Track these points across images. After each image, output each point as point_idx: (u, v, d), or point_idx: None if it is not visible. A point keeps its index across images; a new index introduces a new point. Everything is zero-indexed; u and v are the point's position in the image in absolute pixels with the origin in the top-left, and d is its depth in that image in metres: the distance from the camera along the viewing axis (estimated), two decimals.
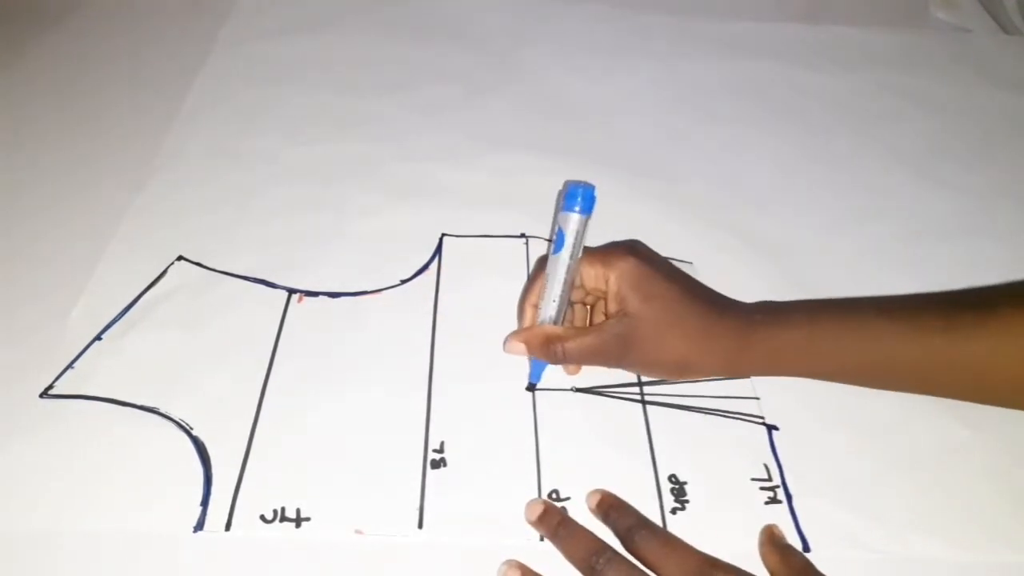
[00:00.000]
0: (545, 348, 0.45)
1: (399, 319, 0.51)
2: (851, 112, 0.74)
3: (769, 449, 0.46)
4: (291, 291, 0.52)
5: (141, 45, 0.77)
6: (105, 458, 0.43)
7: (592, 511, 0.42)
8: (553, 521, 0.40)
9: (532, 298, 0.48)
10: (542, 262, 0.49)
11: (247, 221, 0.58)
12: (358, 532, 0.41)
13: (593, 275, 0.46)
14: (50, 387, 0.46)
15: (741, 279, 0.55)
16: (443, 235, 0.57)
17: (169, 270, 0.54)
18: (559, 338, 0.45)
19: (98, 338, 0.49)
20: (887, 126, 0.72)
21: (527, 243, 0.57)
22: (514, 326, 0.50)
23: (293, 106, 0.70)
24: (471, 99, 0.72)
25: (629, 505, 0.41)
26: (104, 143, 0.65)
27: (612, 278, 0.45)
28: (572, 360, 0.46)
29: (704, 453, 0.45)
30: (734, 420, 0.47)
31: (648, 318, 0.44)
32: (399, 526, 0.41)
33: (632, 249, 0.46)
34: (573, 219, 0.44)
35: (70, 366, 0.47)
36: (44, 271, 0.53)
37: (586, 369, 0.49)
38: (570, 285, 0.46)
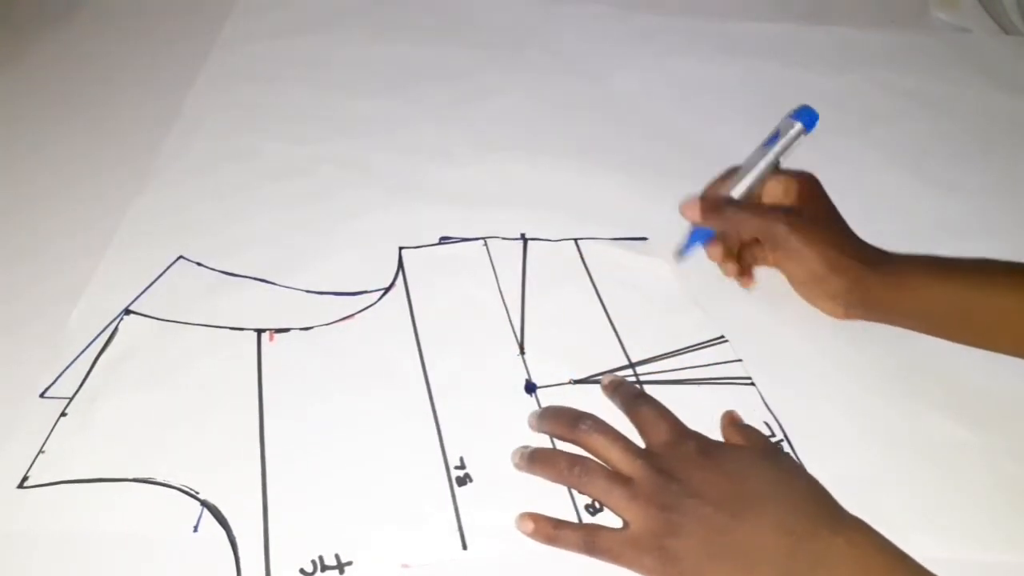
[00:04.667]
0: (719, 206, 0.52)
1: (380, 341, 0.50)
2: (851, 112, 0.74)
3: (764, 407, 0.48)
4: (259, 331, 0.50)
5: (141, 45, 0.77)
6: (111, 545, 0.39)
7: (603, 389, 0.47)
8: (527, 453, 0.43)
9: (713, 189, 0.54)
10: (729, 171, 0.54)
11: (248, 221, 0.58)
12: (405, 566, 0.39)
13: (776, 184, 0.53)
14: (25, 477, 0.42)
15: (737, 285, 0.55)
16: (401, 248, 0.56)
17: (119, 327, 0.49)
18: (734, 201, 0.52)
19: (63, 414, 0.45)
20: (887, 126, 0.72)
21: (487, 245, 0.57)
22: (495, 328, 0.51)
23: (293, 106, 0.70)
24: (471, 99, 0.72)
25: (631, 384, 0.47)
26: (105, 143, 0.65)
27: (795, 185, 0.52)
28: (740, 221, 0.52)
29: (706, 422, 0.46)
30: (725, 386, 0.49)
31: (819, 215, 0.52)
32: (444, 551, 0.40)
33: (812, 174, 0.53)
34: (795, 127, 0.51)
35: (41, 451, 0.43)
36: (44, 271, 0.53)
37: (580, 360, 0.49)
38: (761, 183, 0.52)
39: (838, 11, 0.91)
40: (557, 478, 0.42)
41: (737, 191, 0.52)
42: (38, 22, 0.79)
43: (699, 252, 0.55)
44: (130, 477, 0.42)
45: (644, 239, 0.58)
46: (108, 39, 0.77)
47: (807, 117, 0.51)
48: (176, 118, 0.67)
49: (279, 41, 0.78)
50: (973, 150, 0.70)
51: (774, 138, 0.52)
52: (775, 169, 0.52)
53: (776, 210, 0.52)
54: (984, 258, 0.51)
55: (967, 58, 0.82)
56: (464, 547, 0.40)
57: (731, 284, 0.55)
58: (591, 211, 0.60)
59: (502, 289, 0.54)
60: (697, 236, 0.54)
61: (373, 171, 0.63)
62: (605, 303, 0.54)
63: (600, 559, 0.39)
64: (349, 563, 0.39)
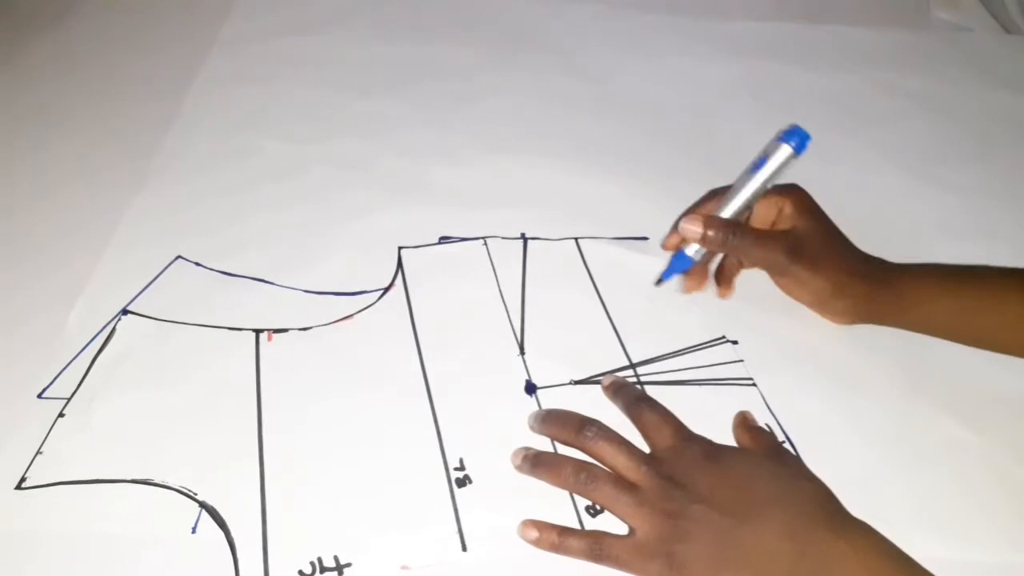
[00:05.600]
0: (723, 229, 0.48)
1: (380, 341, 0.50)
2: (851, 112, 0.74)
3: (765, 408, 0.48)
4: (257, 331, 0.50)
5: (141, 45, 0.77)
6: (110, 545, 0.39)
7: (604, 390, 0.47)
8: (530, 456, 0.43)
9: (700, 210, 0.51)
10: (711, 194, 0.52)
11: (247, 221, 0.58)
12: (404, 568, 0.39)
13: (767, 204, 0.51)
14: (23, 479, 0.42)
15: (742, 279, 0.55)
16: (400, 248, 0.56)
17: (117, 327, 0.49)
18: (738, 224, 0.49)
19: (61, 414, 0.45)
20: (887, 126, 0.72)
21: (486, 244, 0.57)
22: (495, 328, 0.51)
23: (293, 106, 0.70)
24: (471, 99, 0.72)
25: (632, 385, 0.47)
26: (104, 143, 0.65)
27: (787, 204, 0.50)
28: (741, 249, 0.49)
29: (707, 423, 0.45)
30: (726, 387, 0.49)
31: (819, 235, 0.50)
32: (443, 553, 0.40)
33: (800, 187, 0.51)
34: (784, 150, 0.48)
35: (39, 452, 0.43)
36: (43, 271, 0.53)
37: (580, 360, 0.49)
38: (749, 208, 0.49)
39: (838, 11, 0.90)
40: (562, 484, 0.42)
41: (726, 213, 0.49)
42: (38, 22, 0.79)
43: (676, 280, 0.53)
44: (128, 478, 0.42)
45: (644, 239, 0.58)
46: (107, 39, 0.77)
47: (797, 139, 0.47)
48: (175, 118, 0.67)
49: (279, 41, 0.78)
50: (973, 150, 0.70)
51: (762, 160, 0.48)
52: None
53: (776, 237, 0.49)
54: (985, 265, 0.51)
55: (968, 58, 0.82)
56: (464, 548, 0.40)
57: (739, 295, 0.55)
58: (591, 211, 0.60)
59: (502, 289, 0.54)
60: (681, 262, 0.50)
61: (373, 171, 0.63)
62: (605, 303, 0.54)
63: (606, 566, 0.39)
64: (348, 565, 0.39)
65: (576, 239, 0.58)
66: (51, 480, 0.42)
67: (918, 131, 0.72)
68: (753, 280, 0.55)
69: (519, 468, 0.43)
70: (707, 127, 0.71)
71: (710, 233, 0.48)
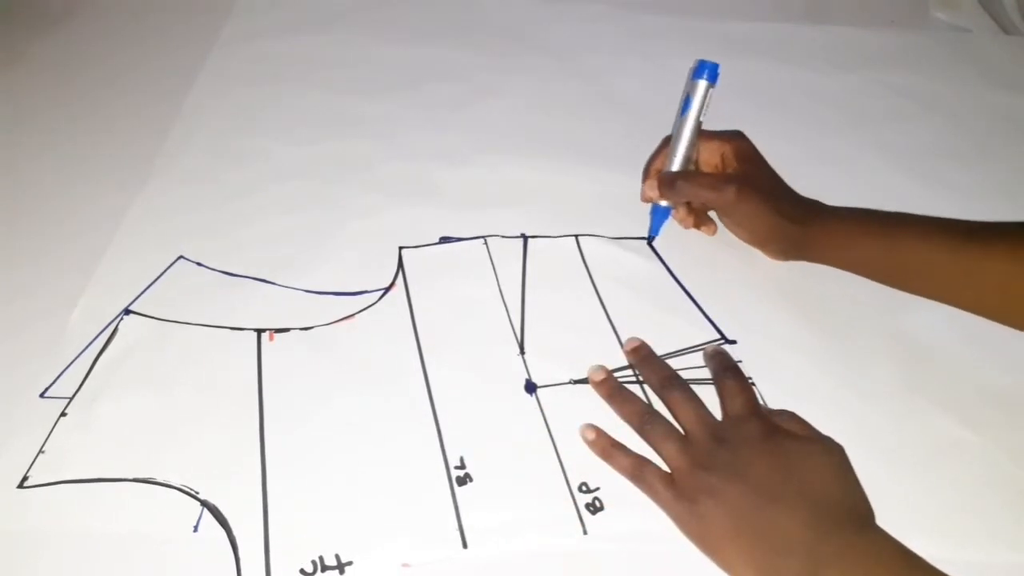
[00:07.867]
0: (673, 182, 0.55)
1: (381, 341, 0.50)
2: (851, 112, 0.74)
3: (761, 401, 0.48)
4: (259, 331, 0.50)
5: (141, 45, 0.77)
6: (111, 545, 0.40)
7: (626, 355, 0.50)
8: (611, 385, 0.47)
9: (656, 164, 0.58)
10: (664, 141, 0.59)
11: (247, 221, 0.58)
12: (405, 566, 0.40)
13: (710, 149, 0.57)
14: (25, 477, 0.42)
15: (740, 281, 0.55)
16: (401, 248, 0.56)
17: (119, 327, 0.50)
18: (687, 174, 0.56)
19: (63, 414, 0.45)
20: (887, 126, 0.72)
21: (487, 244, 0.57)
22: (495, 328, 0.51)
23: (293, 106, 0.70)
24: (471, 99, 0.72)
25: (660, 360, 0.49)
26: (104, 143, 0.65)
27: (728, 149, 0.56)
28: (692, 193, 0.55)
29: None
30: None
31: (759, 179, 0.55)
32: (444, 550, 0.40)
33: (743, 134, 0.57)
34: (700, 86, 0.55)
35: (41, 451, 0.43)
36: (45, 271, 0.53)
37: (580, 360, 0.49)
38: (693, 147, 0.56)
39: (838, 11, 0.91)
40: (626, 417, 0.46)
41: (675, 164, 0.56)
42: (38, 22, 0.79)
43: (666, 228, 0.58)
44: (130, 477, 0.42)
45: (644, 239, 0.58)
46: (108, 39, 0.77)
47: (708, 72, 0.54)
48: (176, 118, 0.67)
49: (279, 41, 0.78)
50: (971, 150, 0.70)
51: (687, 102, 0.55)
52: (703, 131, 0.56)
53: (722, 180, 0.54)
54: (906, 213, 0.54)
55: (967, 58, 0.82)
56: (464, 546, 0.40)
57: (731, 284, 0.55)
58: (591, 211, 0.60)
59: (502, 289, 0.54)
60: (659, 215, 0.57)
61: (373, 171, 0.63)
62: (605, 303, 0.54)
63: (640, 489, 0.43)
64: (349, 563, 0.39)
65: (576, 237, 0.58)
66: (53, 479, 0.42)
67: (916, 131, 0.72)
68: (752, 280, 0.55)
69: (597, 385, 0.47)
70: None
71: (665, 189, 0.56)
